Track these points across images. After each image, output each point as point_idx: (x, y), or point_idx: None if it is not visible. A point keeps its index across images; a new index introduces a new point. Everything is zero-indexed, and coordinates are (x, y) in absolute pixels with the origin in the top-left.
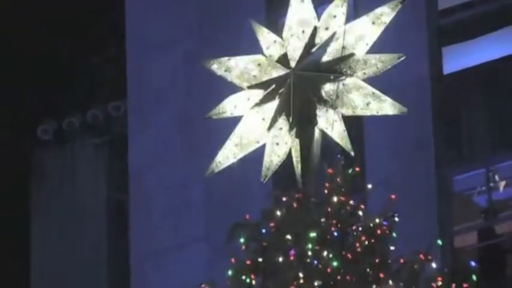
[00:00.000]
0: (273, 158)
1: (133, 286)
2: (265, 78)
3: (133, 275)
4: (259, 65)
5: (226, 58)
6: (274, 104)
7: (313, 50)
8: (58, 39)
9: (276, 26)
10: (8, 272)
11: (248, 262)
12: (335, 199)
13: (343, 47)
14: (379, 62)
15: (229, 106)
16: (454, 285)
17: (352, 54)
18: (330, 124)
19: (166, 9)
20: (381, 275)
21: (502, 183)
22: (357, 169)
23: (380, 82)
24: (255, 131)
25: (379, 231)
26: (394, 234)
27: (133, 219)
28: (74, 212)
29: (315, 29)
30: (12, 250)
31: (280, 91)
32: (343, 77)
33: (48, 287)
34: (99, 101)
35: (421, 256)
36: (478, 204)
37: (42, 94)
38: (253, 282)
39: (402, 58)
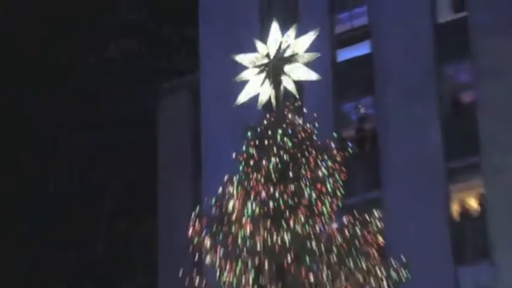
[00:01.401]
0: (262, 98)
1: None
2: (259, 63)
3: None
4: (256, 57)
5: (242, 54)
6: (263, 74)
7: (281, 51)
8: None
9: (265, 39)
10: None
11: (252, 143)
12: (290, 116)
13: (293, 50)
14: (309, 57)
15: (244, 75)
16: (340, 154)
17: (297, 54)
18: (287, 83)
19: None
20: (311, 149)
21: (363, 109)
22: (299, 103)
23: (308, 66)
24: (255, 86)
25: (309, 131)
26: (316, 132)
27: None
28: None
29: (281, 42)
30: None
31: (266, 69)
32: (294, 63)
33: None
34: (186, 67)
35: (327, 141)
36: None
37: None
38: (255, 152)
39: (318, 55)
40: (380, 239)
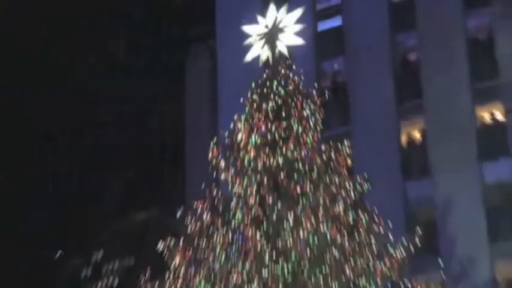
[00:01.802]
0: (262, 58)
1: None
2: (260, 31)
3: None
4: (258, 28)
5: (248, 25)
6: (263, 40)
7: (276, 23)
8: None
9: (265, 15)
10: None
11: (255, 91)
12: (282, 71)
13: (285, 23)
14: (297, 28)
15: (250, 40)
16: (319, 99)
17: (288, 25)
18: (281, 46)
19: None
20: (298, 96)
21: (336, 65)
22: (289, 62)
23: (296, 34)
24: (258, 48)
25: (296, 82)
26: (302, 83)
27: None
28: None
29: (276, 17)
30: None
31: (265, 36)
32: (286, 32)
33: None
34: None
35: (310, 90)
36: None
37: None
38: (257, 98)
39: (303, 26)
40: (349, 161)
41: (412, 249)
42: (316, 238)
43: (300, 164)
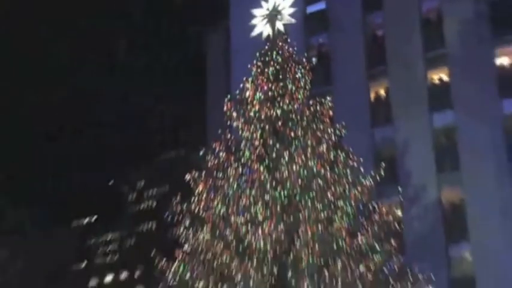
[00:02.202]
0: (264, 33)
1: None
2: (263, 13)
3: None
4: (261, 10)
5: (254, 9)
6: (266, 20)
7: (275, 7)
8: None
9: (267, 0)
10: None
11: (259, 59)
12: (280, 44)
13: (282, 6)
14: (291, 10)
15: (255, 21)
16: (308, 65)
17: (284, 8)
18: (279, 25)
19: None
20: (292, 62)
21: (321, 39)
22: (285, 36)
23: (290, 15)
24: (261, 26)
25: (291, 52)
26: (295, 52)
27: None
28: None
29: (275, 2)
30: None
31: (267, 16)
32: (282, 14)
33: None
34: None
35: (301, 57)
36: (315, 44)
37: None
38: (261, 64)
39: (296, 9)
40: (330, 112)
41: (378, 179)
42: (305, 171)
43: (293, 115)
